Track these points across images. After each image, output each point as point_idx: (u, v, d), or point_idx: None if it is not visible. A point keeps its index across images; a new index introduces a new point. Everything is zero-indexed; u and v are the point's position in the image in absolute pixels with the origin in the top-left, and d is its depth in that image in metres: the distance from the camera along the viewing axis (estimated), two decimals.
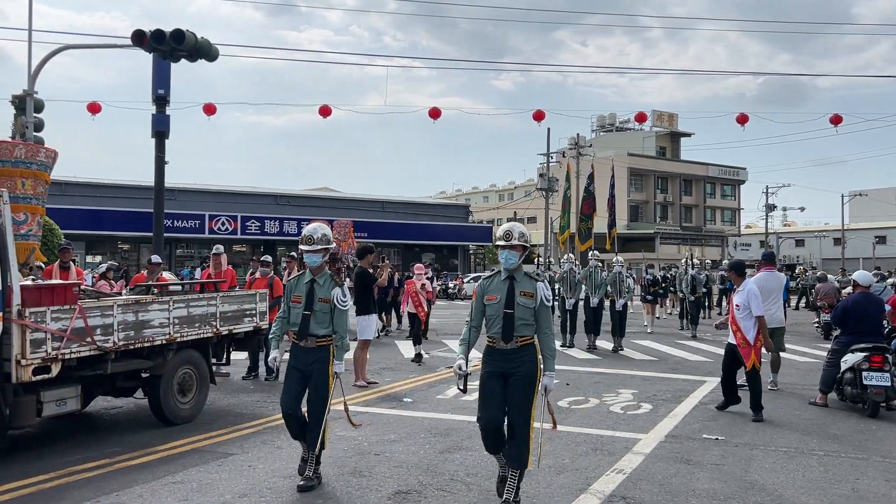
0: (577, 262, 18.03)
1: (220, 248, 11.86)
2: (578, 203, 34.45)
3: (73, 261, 11.07)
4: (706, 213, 76.70)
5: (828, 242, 78.37)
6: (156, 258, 11.26)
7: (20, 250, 8.11)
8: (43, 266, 10.22)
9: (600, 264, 16.07)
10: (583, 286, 15.69)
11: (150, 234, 17.94)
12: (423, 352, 13.54)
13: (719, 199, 78.82)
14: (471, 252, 52.93)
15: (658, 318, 22.41)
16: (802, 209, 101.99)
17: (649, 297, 21.09)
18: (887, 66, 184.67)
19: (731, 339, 8.92)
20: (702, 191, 76.43)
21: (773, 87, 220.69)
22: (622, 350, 15.04)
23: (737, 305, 8.79)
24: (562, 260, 19.35)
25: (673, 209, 74.53)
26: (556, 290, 16.68)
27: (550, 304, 5.38)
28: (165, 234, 19.72)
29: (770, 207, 65.40)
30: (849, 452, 7.08)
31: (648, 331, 19.40)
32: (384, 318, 18.54)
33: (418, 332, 13.94)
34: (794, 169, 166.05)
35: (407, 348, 15.26)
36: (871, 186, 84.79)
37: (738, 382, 9.13)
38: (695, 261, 20.88)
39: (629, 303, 20.62)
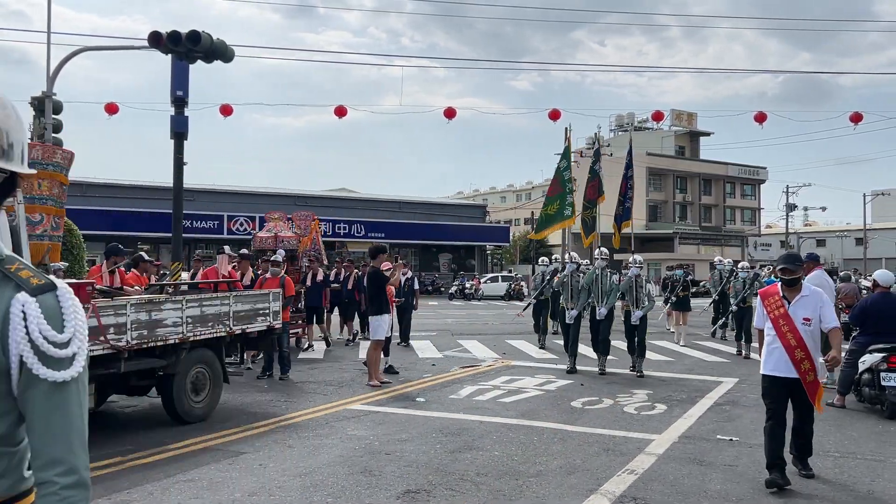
0: (582, 262, 14.35)
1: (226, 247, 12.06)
2: (580, 187, 25.82)
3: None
4: (726, 213, 76.06)
5: (849, 242, 77.51)
6: (146, 257, 11.43)
7: (35, 250, 8.18)
8: (63, 268, 10.32)
9: (609, 265, 13.08)
10: (588, 293, 12.36)
11: (170, 234, 18.07)
12: (391, 364, 11.97)
13: (739, 199, 78.11)
14: (488, 252, 52.88)
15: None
16: (824, 209, 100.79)
17: (673, 300, 17.44)
18: None
19: (779, 370, 5.97)
20: (721, 190, 75.80)
21: (795, 86, 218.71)
22: (641, 375, 11.72)
23: (805, 320, 5.93)
24: (544, 261, 17.64)
25: (692, 209, 73.98)
26: (556, 300, 14.54)
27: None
28: (184, 235, 19.85)
29: (790, 207, 64.74)
30: (865, 454, 6.98)
31: (681, 344, 16.08)
32: (349, 324, 16.73)
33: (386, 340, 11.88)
34: (816, 168, 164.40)
35: (423, 349, 15.26)
36: (894, 185, 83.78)
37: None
38: (745, 263, 17.26)
39: (662, 314, 18.55)
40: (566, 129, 23.00)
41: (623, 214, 23.47)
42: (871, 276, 11.01)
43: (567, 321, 12.61)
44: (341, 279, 16.39)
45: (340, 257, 19.88)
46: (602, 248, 13.30)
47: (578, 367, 12.16)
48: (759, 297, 6.28)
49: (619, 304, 12.88)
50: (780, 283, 6.16)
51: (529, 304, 17.31)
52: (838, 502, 5.58)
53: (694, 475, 6.22)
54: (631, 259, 12.87)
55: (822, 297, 6.06)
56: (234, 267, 12.99)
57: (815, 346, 5.92)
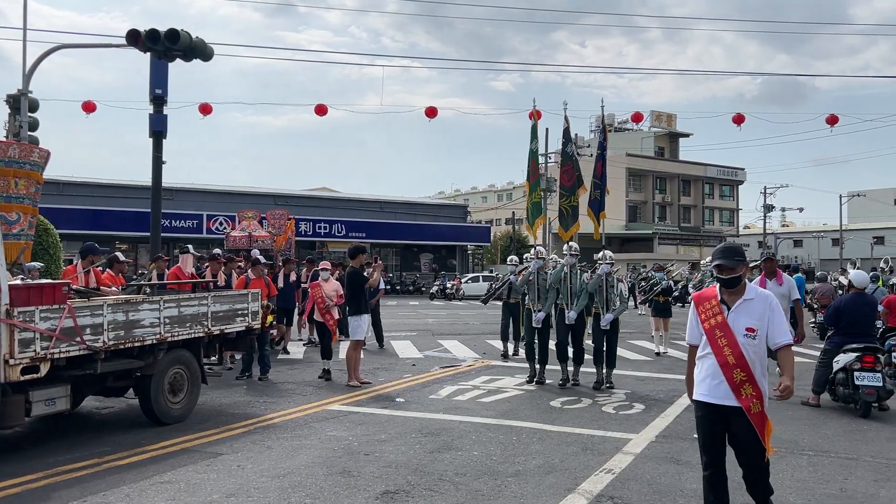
0: (551, 257, 13.70)
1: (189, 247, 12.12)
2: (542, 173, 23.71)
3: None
4: (704, 214, 76.70)
5: (826, 243, 78.46)
6: (121, 256, 11.35)
7: (10, 249, 8.09)
8: (38, 268, 10.21)
9: (580, 261, 11.51)
10: (557, 294, 10.99)
11: (148, 234, 17.94)
12: (329, 367, 11.31)
13: (718, 200, 78.81)
14: (469, 252, 52.93)
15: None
16: (801, 210, 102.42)
17: (655, 304, 15.45)
18: (886, 66, 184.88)
19: (714, 396, 4.54)
20: (700, 191, 76.42)
21: (773, 88, 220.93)
22: (611, 386, 10.56)
23: (749, 330, 4.49)
24: (513, 260, 14.33)
25: (671, 209, 74.52)
26: (522, 301, 12.70)
27: None
28: (163, 234, 19.70)
29: (768, 208, 65.41)
30: (839, 452, 7.08)
31: (662, 351, 14.66)
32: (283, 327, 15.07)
33: (328, 344, 11.45)
34: (793, 169, 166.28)
35: (403, 349, 15.26)
36: (869, 187, 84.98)
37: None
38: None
39: (641, 315, 17.84)
40: (533, 102, 21.27)
41: (600, 200, 19.20)
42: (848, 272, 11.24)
43: (534, 324, 11.02)
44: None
45: (311, 258, 19.54)
46: (571, 243, 11.70)
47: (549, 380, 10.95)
48: (692, 302, 4.82)
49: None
50: (717, 284, 4.67)
51: (488, 298, 15.21)
52: (812, 500, 5.65)
53: (670, 474, 6.27)
54: (600, 255, 11.20)
55: (771, 303, 4.54)
56: (197, 268, 12.82)
57: (761, 365, 4.48)
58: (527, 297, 11.46)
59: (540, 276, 11.11)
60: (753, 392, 4.43)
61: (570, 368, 10.99)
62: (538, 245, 11.69)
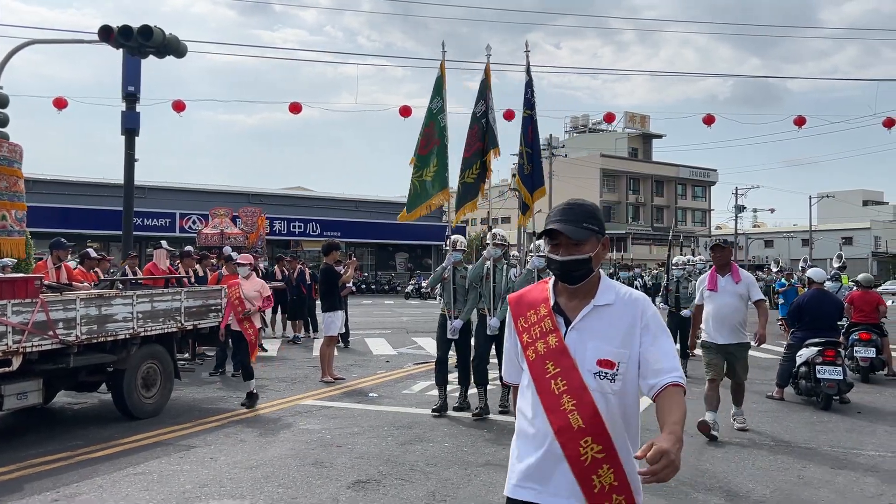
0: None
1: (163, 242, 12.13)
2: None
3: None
4: (677, 214, 77.60)
5: (796, 243, 79.57)
6: (93, 252, 11.38)
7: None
8: (10, 265, 10.18)
9: (507, 253, 9.23)
10: (478, 296, 8.65)
11: (120, 232, 17.83)
12: (256, 390, 8.96)
13: (690, 200, 79.82)
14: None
15: None
16: (772, 210, 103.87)
17: None
18: (854, 70, 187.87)
19: (540, 495, 2.41)
20: (673, 192, 77.35)
21: (745, 90, 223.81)
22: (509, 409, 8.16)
23: (603, 365, 2.45)
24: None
25: (644, 210, 75.33)
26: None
27: None
28: (136, 233, 19.59)
29: (739, 208, 66.29)
30: (799, 443, 7.29)
31: None
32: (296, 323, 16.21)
33: (245, 359, 8.90)
34: (765, 170, 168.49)
35: (378, 346, 15.33)
36: (838, 188, 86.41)
37: None
38: (680, 258, 13.25)
39: None
40: (442, 47, 12.52)
41: (533, 174, 10.61)
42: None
43: (449, 335, 8.46)
44: (285, 277, 16.09)
45: (290, 256, 19.49)
46: (496, 231, 8.97)
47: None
48: (509, 309, 2.65)
49: None
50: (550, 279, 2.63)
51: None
52: (770, 489, 5.84)
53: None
54: (533, 245, 8.99)
55: (644, 311, 2.48)
56: (172, 265, 12.85)
57: (628, 428, 2.47)
58: (441, 302, 9.00)
59: (458, 274, 8.72)
60: (616, 483, 2.36)
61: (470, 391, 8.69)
62: (497, 230, 8.98)
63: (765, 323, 7.66)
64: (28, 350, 6.58)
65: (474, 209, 9.44)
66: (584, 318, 2.44)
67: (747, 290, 7.61)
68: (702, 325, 7.93)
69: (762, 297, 7.89)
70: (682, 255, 14.30)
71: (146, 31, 13.26)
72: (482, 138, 9.18)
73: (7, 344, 6.37)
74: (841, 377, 8.88)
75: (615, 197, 73.39)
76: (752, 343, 7.77)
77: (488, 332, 8.45)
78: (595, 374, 2.39)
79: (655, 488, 5.14)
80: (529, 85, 9.72)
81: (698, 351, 8.50)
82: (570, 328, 2.45)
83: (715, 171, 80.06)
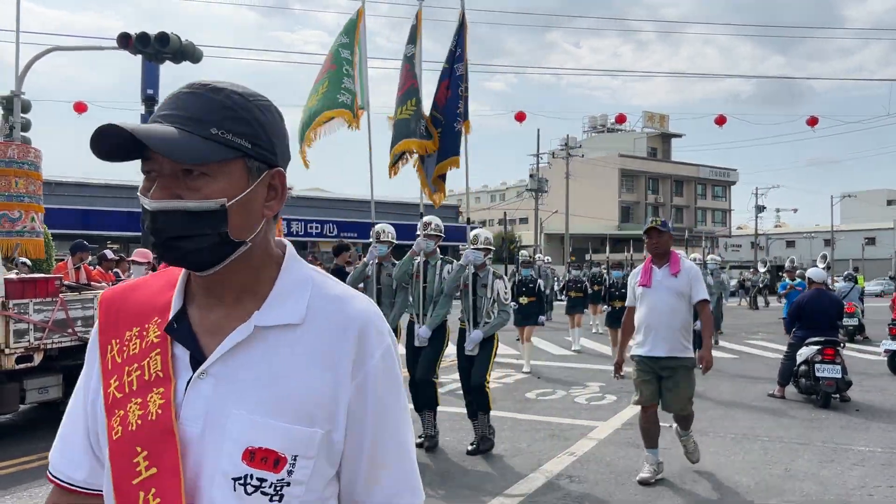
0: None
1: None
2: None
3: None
4: (697, 214, 77.28)
5: (818, 243, 78.82)
6: (109, 253, 11.75)
7: (5, 245, 8.47)
8: (28, 264, 10.61)
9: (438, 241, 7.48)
10: (406, 298, 7.43)
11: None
12: None
13: (710, 200, 79.43)
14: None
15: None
16: (795, 210, 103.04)
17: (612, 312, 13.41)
18: (879, 68, 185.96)
19: None
20: (693, 192, 77.02)
21: (768, 88, 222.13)
22: (479, 449, 6.80)
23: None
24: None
25: (664, 210, 75.05)
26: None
27: None
28: None
29: (760, 208, 65.98)
30: (791, 438, 7.47)
31: (575, 349, 13.94)
32: None
33: None
34: (786, 170, 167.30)
35: None
36: (862, 188, 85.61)
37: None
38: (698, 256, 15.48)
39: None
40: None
41: (446, 140, 8.13)
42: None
43: (417, 343, 7.17)
44: None
45: (309, 256, 19.92)
46: (429, 218, 7.48)
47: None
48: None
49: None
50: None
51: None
52: (755, 480, 6.04)
53: (629, 457, 6.65)
54: (471, 235, 7.18)
55: (370, 340, 1.17)
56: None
57: None
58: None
59: (383, 271, 7.66)
60: None
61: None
62: (431, 219, 7.52)
63: (709, 336, 5.98)
64: (49, 346, 6.93)
65: (456, 165, 8.09)
66: (231, 352, 1.13)
67: (689, 285, 5.80)
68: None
69: (706, 296, 5.90)
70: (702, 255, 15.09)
71: (163, 37, 13.65)
72: (414, 77, 7.93)
73: (29, 340, 6.71)
74: (839, 375, 9.03)
75: (634, 197, 73.24)
76: (698, 364, 5.95)
77: (416, 343, 7.00)
78: (237, 480, 1.09)
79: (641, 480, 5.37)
80: (461, 27, 7.98)
81: (627, 369, 6.23)
82: (197, 374, 1.13)
83: (735, 170, 79.65)
